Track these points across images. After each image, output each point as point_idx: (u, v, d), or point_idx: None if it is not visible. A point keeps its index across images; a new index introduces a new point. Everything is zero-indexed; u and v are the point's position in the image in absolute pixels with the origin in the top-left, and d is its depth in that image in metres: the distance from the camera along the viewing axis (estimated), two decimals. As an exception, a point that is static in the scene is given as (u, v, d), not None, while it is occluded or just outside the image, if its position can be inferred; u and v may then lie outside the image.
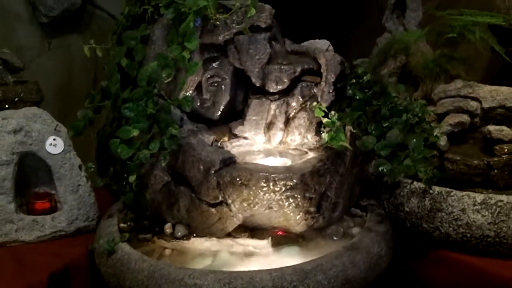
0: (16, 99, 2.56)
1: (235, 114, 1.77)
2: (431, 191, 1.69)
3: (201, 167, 1.55)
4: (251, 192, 1.52)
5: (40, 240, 2.04)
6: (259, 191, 1.51)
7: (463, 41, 2.18)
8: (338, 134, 1.54)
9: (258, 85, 1.69)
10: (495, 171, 1.75)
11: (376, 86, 1.70)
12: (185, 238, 1.67)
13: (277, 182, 1.49)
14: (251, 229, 1.68)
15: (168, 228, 1.70)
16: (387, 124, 1.58)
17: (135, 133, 1.47)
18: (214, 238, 1.67)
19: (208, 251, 1.63)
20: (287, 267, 1.42)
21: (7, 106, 2.44)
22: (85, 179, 1.78)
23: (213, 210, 1.59)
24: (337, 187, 1.64)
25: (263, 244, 1.63)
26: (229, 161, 1.54)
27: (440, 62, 2.19)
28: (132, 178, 1.63)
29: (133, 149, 1.50)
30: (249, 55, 1.66)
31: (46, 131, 2.03)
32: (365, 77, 1.76)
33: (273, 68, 1.68)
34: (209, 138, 1.64)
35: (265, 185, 1.49)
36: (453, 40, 2.17)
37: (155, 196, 1.67)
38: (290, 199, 1.53)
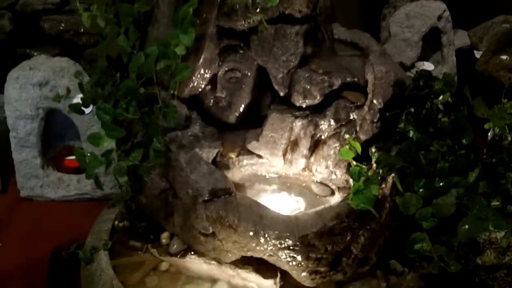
0: (81, 29, 2.40)
1: (259, 118, 1.38)
2: (516, 248, 1.25)
3: (190, 191, 1.24)
4: (241, 238, 1.19)
5: (66, 200, 1.94)
6: (249, 240, 1.16)
7: None
8: (368, 186, 1.10)
9: (281, 94, 1.27)
10: None
11: (452, 115, 1.18)
12: (180, 255, 1.40)
13: (268, 239, 1.13)
14: (258, 260, 1.35)
15: (164, 238, 1.46)
16: (442, 183, 1.09)
17: (106, 143, 1.17)
18: (214, 261, 1.37)
19: (205, 276, 1.36)
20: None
21: (67, 37, 2.29)
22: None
23: (204, 239, 1.29)
24: (366, 243, 1.23)
25: (268, 285, 1.31)
26: (221, 192, 1.19)
27: None
28: (122, 180, 1.37)
29: (106, 159, 1.21)
30: (273, 54, 1.23)
31: (74, 88, 1.82)
32: (441, 97, 1.25)
33: (303, 76, 1.23)
34: (211, 151, 1.29)
35: (254, 237, 1.14)
36: None
37: (152, 201, 1.41)
38: (288, 258, 1.17)
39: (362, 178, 1.12)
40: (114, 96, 1.24)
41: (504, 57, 2.36)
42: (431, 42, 2.26)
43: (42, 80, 1.80)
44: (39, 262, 1.65)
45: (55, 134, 1.98)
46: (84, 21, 1.33)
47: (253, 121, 1.38)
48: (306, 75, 1.24)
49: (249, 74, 1.30)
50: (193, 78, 1.30)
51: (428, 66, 2.24)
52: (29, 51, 2.30)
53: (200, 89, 1.32)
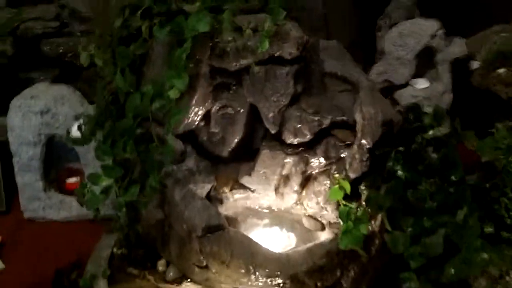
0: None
1: (253, 151, 1.42)
2: (507, 278, 1.32)
3: (184, 226, 1.28)
4: (233, 273, 1.23)
5: (68, 220, 1.98)
6: (241, 276, 1.21)
7: None
8: (357, 225, 1.13)
9: (272, 132, 1.31)
10: None
11: (442, 151, 1.21)
12: (176, 283, 1.43)
13: (259, 277, 1.17)
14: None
15: (161, 265, 1.49)
16: (430, 223, 1.13)
17: (106, 182, 1.22)
18: (208, 290, 1.41)
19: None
20: None
21: (66, 59, 2.32)
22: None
23: (198, 270, 1.33)
24: (356, 277, 1.27)
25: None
26: (214, 229, 1.23)
27: None
28: (121, 213, 1.41)
29: (104, 198, 1.25)
30: (264, 94, 1.27)
31: (73, 116, 1.87)
32: (431, 132, 1.28)
33: (294, 115, 1.27)
34: (205, 186, 1.33)
35: (245, 274, 1.18)
36: None
37: (149, 230, 1.45)
38: (278, 293, 1.21)
39: (351, 218, 1.15)
40: (112, 135, 1.28)
41: (501, 71, 2.36)
42: (425, 59, 2.27)
43: (44, 108, 1.85)
44: (41, 283, 1.67)
45: (56, 156, 2.02)
46: (83, 60, 1.36)
47: (247, 154, 1.42)
48: (297, 114, 1.28)
49: (241, 110, 1.34)
50: (188, 115, 1.33)
51: (422, 83, 2.26)
52: (30, 74, 2.33)
53: (194, 125, 1.35)
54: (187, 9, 1.28)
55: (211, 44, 1.26)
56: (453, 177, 1.23)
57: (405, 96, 2.22)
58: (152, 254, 1.50)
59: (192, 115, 1.34)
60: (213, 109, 1.35)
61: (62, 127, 1.87)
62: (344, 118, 1.28)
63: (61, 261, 1.72)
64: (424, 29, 2.13)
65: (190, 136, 1.40)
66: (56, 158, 2.03)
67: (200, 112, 1.34)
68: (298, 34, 1.23)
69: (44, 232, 1.94)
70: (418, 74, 2.27)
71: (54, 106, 1.86)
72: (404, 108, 1.34)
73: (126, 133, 1.26)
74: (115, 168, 1.24)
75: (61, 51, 2.37)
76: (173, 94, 1.18)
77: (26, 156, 1.90)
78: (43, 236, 1.92)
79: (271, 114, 1.29)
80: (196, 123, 1.36)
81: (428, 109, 1.91)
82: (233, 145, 1.37)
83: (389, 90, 2.29)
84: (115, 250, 1.56)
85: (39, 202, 1.97)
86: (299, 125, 1.28)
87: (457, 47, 2.77)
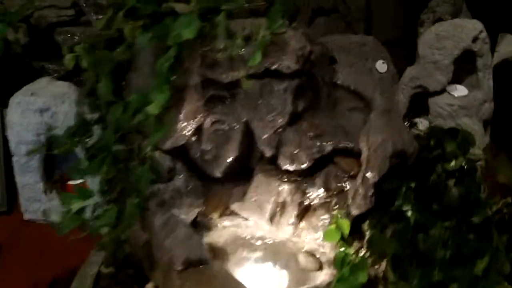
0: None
1: (250, 170, 1.26)
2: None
3: (165, 256, 1.14)
4: (216, 315, 1.08)
5: (68, 224, 1.89)
6: (223, 319, 1.06)
7: None
8: (355, 273, 0.96)
9: (267, 155, 1.14)
10: None
11: (464, 185, 1.03)
12: (162, 311, 1.31)
13: (240, 325, 1.01)
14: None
15: (149, 290, 1.36)
16: (442, 276, 0.94)
17: (76, 206, 1.09)
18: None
19: None
20: None
21: (83, 49, 2.22)
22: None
23: (181, 304, 1.19)
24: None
25: None
26: (196, 263, 1.09)
27: None
28: (104, 230, 1.29)
29: (79, 219, 1.13)
30: (258, 111, 1.10)
31: (73, 115, 1.76)
32: (452, 163, 1.09)
33: (291, 138, 1.10)
34: (191, 211, 1.18)
35: (226, 319, 1.03)
36: None
37: (136, 250, 1.32)
38: None
39: (348, 263, 0.98)
40: (92, 149, 1.15)
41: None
42: (465, 64, 2.04)
43: (43, 106, 1.77)
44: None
45: (59, 157, 1.92)
46: (67, 62, 1.24)
47: (243, 175, 1.26)
48: (295, 138, 1.11)
49: (236, 127, 1.18)
50: (176, 130, 1.19)
51: (461, 90, 2.03)
52: (43, 64, 2.25)
53: (183, 141, 1.21)
54: (178, 10, 1.13)
55: (201, 51, 1.10)
56: (475, 219, 1.03)
57: (440, 104, 2.01)
58: (141, 275, 1.39)
59: (180, 131, 1.19)
60: (205, 124, 1.19)
61: (63, 126, 1.75)
62: (348, 144, 1.09)
63: (58, 267, 1.67)
64: (464, 32, 1.89)
65: (181, 152, 1.25)
66: (59, 158, 1.93)
67: (189, 127, 1.20)
68: (299, 44, 1.05)
69: (43, 235, 1.86)
70: (456, 80, 2.04)
71: (54, 104, 1.77)
72: (424, 132, 1.15)
73: (106, 148, 1.12)
74: (88, 189, 1.10)
75: (75, 41, 2.27)
76: (152, 109, 1.04)
77: (25, 156, 1.80)
78: (42, 239, 1.84)
79: (265, 136, 1.12)
80: (186, 139, 1.21)
81: (463, 121, 1.70)
82: (226, 164, 1.21)
83: (422, 96, 2.08)
84: (102, 268, 1.45)
85: (39, 204, 1.91)
86: (296, 150, 1.11)
87: (507, 46, 2.51)
